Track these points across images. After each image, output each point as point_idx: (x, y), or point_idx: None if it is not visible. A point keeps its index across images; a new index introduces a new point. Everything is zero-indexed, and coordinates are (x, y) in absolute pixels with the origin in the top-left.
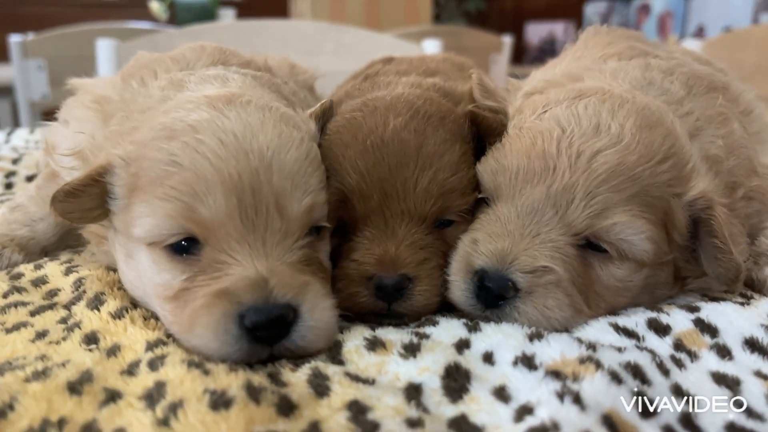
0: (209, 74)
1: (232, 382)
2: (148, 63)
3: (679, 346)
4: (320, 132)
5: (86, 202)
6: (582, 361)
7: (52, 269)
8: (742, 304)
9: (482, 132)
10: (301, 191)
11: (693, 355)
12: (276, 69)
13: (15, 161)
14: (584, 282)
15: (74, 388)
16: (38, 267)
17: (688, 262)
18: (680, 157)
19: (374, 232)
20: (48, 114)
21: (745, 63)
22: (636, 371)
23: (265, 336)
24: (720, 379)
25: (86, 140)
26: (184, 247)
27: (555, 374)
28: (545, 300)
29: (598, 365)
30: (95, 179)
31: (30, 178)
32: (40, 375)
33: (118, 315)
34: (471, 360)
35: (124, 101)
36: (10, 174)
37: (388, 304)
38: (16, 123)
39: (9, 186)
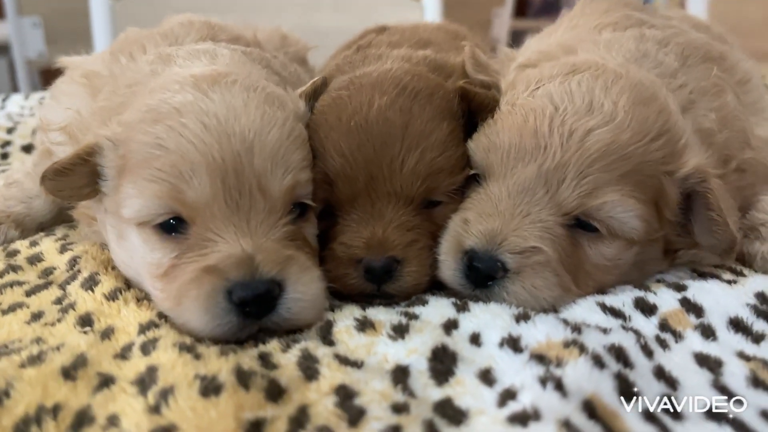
0: (198, 48)
1: (222, 366)
2: (138, 38)
3: (664, 326)
4: (311, 110)
5: (76, 180)
6: (566, 344)
7: (48, 246)
8: (729, 282)
9: (474, 108)
10: (281, 170)
11: (678, 336)
12: (266, 42)
13: (10, 130)
14: (573, 261)
15: (68, 373)
16: (34, 244)
17: (679, 235)
18: (673, 133)
19: (361, 215)
20: (45, 72)
21: (752, 17)
22: (619, 354)
23: (253, 310)
24: (703, 360)
25: (73, 116)
26: (172, 226)
27: (539, 358)
28: (534, 280)
29: (582, 349)
30: (84, 158)
31: (26, 148)
32: (35, 360)
33: (112, 296)
34: (458, 341)
35: (113, 76)
36: (6, 144)
37: (377, 286)
38: (13, 81)
39: (5, 156)
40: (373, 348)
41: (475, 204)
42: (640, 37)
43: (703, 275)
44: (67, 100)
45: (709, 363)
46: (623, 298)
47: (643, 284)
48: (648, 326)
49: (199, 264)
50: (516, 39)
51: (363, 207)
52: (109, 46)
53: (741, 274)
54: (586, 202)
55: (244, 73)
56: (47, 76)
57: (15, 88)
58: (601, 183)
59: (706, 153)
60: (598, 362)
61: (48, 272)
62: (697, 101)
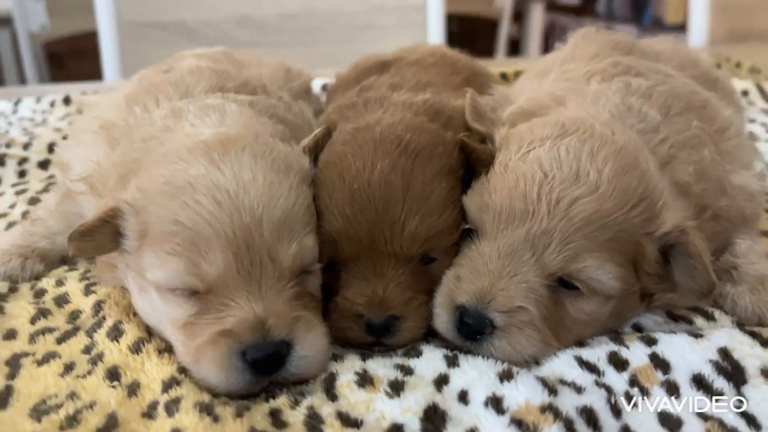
0: (208, 104)
1: (238, 429)
2: (150, 88)
3: (634, 381)
4: (315, 161)
5: (99, 240)
6: (543, 409)
7: (73, 287)
8: (696, 336)
9: (472, 161)
10: (288, 240)
11: (645, 392)
12: (271, 82)
13: (26, 146)
14: (555, 318)
15: None
16: (59, 283)
17: (657, 282)
18: (652, 197)
19: (363, 272)
20: (48, 45)
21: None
22: (590, 417)
23: (265, 368)
24: (665, 419)
25: (93, 167)
26: (191, 290)
27: (518, 423)
28: (518, 338)
29: (557, 414)
30: (106, 221)
31: (42, 164)
32: (72, 421)
33: (135, 349)
34: (448, 398)
35: (128, 127)
36: (23, 161)
37: (377, 338)
38: (16, 55)
39: (22, 174)
40: (372, 405)
41: (468, 261)
42: (625, 88)
43: (676, 319)
44: (87, 150)
45: (670, 423)
46: (598, 353)
47: (618, 337)
48: (619, 382)
49: (216, 327)
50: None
51: (365, 265)
52: (124, 93)
53: (712, 317)
54: (569, 266)
55: (252, 135)
56: (50, 48)
57: (18, 61)
58: (583, 249)
59: (684, 204)
60: (570, 428)
61: (75, 316)
62: (676, 155)
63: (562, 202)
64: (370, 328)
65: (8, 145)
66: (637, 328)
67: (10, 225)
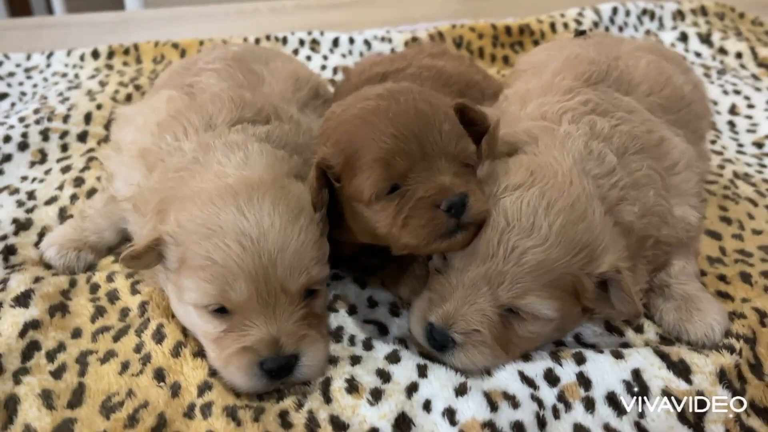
0: (231, 142)
1: None
2: (178, 116)
3: (561, 396)
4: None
5: (146, 261)
6: (483, 425)
7: (121, 284)
8: (618, 357)
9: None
10: (298, 274)
11: (568, 406)
12: (281, 99)
13: (65, 119)
14: (504, 336)
15: None
16: (110, 279)
17: (596, 304)
18: (594, 244)
19: (426, 174)
20: None
21: None
22: (519, 430)
23: (277, 375)
24: (578, 431)
25: (135, 190)
26: (220, 309)
27: None
28: (474, 353)
29: (492, 430)
30: (152, 248)
31: (80, 137)
32: (133, 420)
33: (175, 353)
34: (415, 406)
35: (161, 153)
36: (64, 134)
37: (457, 220)
38: None
39: (65, 148)
40: (357, 410)
41: (438, 288)
42: (590, 131)
43: (611, 330)
44: (129, 173)
45: None
46: (537, 369)
47: (556, 354)
48: (550, 396)
49: (240, 343)
50: None
51: (423, 168)
52: (156, 118)
53: (641, 330)
54: (516, 301)
55: (271, 180)
56: None
57: None
58: (529, 289)
59: (624, 243)
60: None
61: (125, 314)
62: (626, 196)
63: (516, 251)
64: (451, 209)
65: (49, 119)
66: (577, 337)
67: (62, 211)
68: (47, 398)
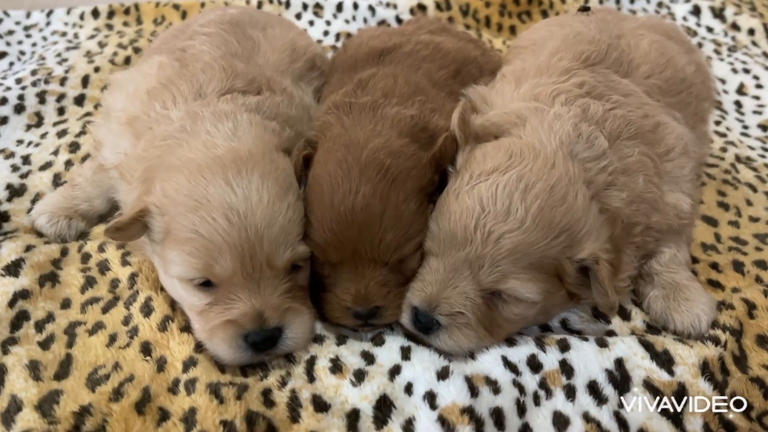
0: (220, 111)
1: (237, 411)
2: (168, 84)
3: (543, 383)
4: (305, 169)
5: (131, 233)
6: (462, 411)
7: (112, 255)
8: (602, 345)
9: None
10: (283, 248)
11: (549, 393)
12: (275, 71)
13: (62, 81)
14: (488, 319)
15: (140, 408)
16: (101, 249)
17: (580, 289)
18: (574, 228)
19: (348, 274)
20: None
21: None
22: (498, 417)
23: (261, 347)
24: (557, 418)
25: (122, 158)
26: (205, 282)
27: (442, 421)
28: (458, 335)
29: (472, 416)
30: (137, 219)
31: (77, 100)
32: (118, 394)
33: (162, 327)
34: (397, 389)
35: (149, 121)
36: (61, 97)
37: (364, 322)
38: None
39: (61, 111)
40: (339, 390)
41: (422, 273)
42: (582, 114)
43: (597, 316)
44: (117, 140)
45: (560, 422)
46: (519, 355)
47: (540, 340)
48: (531, 383)
49: (225, 316)
50: None
51: (350, 268)
52: (146, 86)
53: (628, 317)
54: (497, 285)
55: (260, 153)
56: None
57: None
58: (509, 272)
59: (608, 232)
60: (480, 429)
61: (114, 285)
62: (613, 183)
63: (492, 235)
64: (357, 316)
65: (46, 81)
66: (564, 323)
67: (56, 177)
68: (34, 369)
